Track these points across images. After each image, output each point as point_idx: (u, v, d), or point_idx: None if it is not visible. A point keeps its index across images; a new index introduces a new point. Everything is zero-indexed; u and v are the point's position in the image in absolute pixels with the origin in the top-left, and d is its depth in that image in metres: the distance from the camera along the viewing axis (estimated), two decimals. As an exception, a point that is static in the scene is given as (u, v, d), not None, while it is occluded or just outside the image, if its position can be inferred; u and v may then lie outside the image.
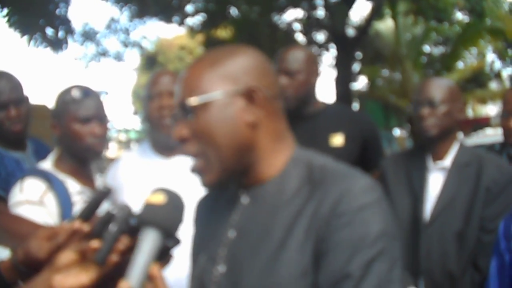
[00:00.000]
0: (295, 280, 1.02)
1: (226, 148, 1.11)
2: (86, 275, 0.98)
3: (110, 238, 0.98)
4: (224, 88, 1.12)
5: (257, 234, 1.12)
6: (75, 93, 2.15)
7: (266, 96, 1.14)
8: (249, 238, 1.13)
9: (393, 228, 1.04)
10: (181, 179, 1.89)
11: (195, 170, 1.16)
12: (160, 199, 1.03)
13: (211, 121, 1.11)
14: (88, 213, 1.19)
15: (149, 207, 1.01)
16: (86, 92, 2.16)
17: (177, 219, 1.04)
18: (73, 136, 2.13)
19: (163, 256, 1.02)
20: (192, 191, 1.42)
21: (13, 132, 2.47)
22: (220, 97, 1.11)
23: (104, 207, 1.25)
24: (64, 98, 2.16)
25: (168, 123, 2.17)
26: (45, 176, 2.08)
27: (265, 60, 1.20)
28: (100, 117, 2.16)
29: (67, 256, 1.01)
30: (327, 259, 1.00)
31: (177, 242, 1.04)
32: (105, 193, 1.22)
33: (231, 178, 1.17)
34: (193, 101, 1.12)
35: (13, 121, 2.45)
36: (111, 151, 25.11)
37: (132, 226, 1.01)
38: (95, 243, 0.99)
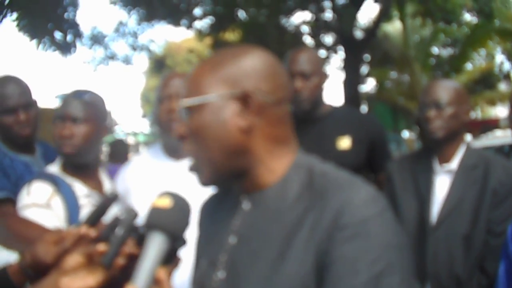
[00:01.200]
0: None
1: (216, 150, 1.11)
2: (93, 278, 1.00)
3: (117, 241, 0.98)
4: (220, 91, 1.11)
5: (257, 242, 1.10)
6: (66, 95, 2.19)
7: (265, 101, 1.12)
8: (249, 245, 1.12)
9: (400, 238, 1.02)
10: (192, 182, 1.90)
11: (192, 168, 1.17)
12: (166, 203, 1.03)
13: (203, 123, 1.11)
14: (94, 219, 1.20)
15: (155, 211, 1.02)
16: (72, 94, 2.18)
17: (183, 223, 1.04)
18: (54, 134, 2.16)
19: (171, 258, 1.03)
20: (202, 194, 1.42)
21: (22, 136, 2.49)
22: (214, 100, 1.11)
23: (112, 212, 1.26)
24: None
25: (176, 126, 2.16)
26: (52, 180, 2.09)
27: (274, 63, 1.17)
28: (72, 118, 2.14)
29: (74, 259, 1.02)
30: (332, 274, 0.97)
31: (184, 242, 1.04)
32: (111, 199, 1.23)
33: (227, 180, 1.17)
34: (188, 102, 1.13)
35: (22, 125, 2.47)
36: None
37: (139, 230, 1.02)
38: (102, 246, 1.00)
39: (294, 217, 1.07)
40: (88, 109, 2.18)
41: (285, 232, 1.06)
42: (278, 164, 1.15)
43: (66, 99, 2.17)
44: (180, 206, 1.05)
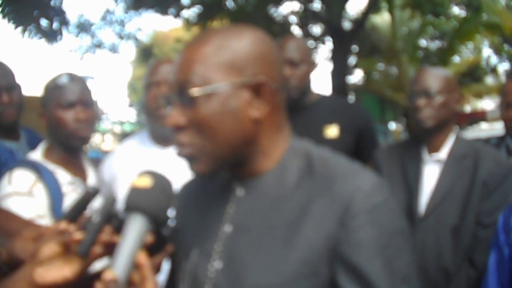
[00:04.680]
0: (304, 278, 0.99)
1: (226, 141, 1.04)
2: (69, 268, 0.95)
3: (93, 229, 0.94)
4: (230, 79, 1.03)
5: (257, 229, 1.07)
6: (58, 80, 2.14)
7: (273, 89, 1.07)
8: (248, 233, 1.08)
9: (404, 223, 1.04)
10: (178, 169, 1.86)
11: (184, 156, 1.09)
12: (146, 182, 0.98)
13: (213, 113, 1.02)
14: (74, 214, 1.16)
15: (134, 192, 0.97)
16: (69, 78, 2.14)
17: (164, 204, 0.99)
18: (57, 122, 2.11)
19: (160, 246, 0.98)
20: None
21: (6, 118, 2.48)
22: (225, 89, 1.02)
23: (95, 206, 1.21)
24: (49, 86, 2.16)
25: (164, 114, 2.12)
26: (35, 167, 2.05)
27: (273, 46, 1.11)
28: (84, 102, 2.13)
29: (49, 248, 0.97)
30: (346, 260, 0.97)
31: (169, 228, 1.00)
32: (92, 194, 1.19)
33: (223, 168, 1.11)
34: (196, 91, 1.02)
35: (5, 107, 2.46)
36: (106, 143, 25.06)
37: (118, 216, 0.97)
38: (78, 235, 0.96)
39: (298, 204, 1.04)
40: (90, 93, 2.19)
41: (289, 219, 1.03)
42: (275, 150, 1.11)
43: (66, 84, 2.13)
44: (161, 186, 1.00)
